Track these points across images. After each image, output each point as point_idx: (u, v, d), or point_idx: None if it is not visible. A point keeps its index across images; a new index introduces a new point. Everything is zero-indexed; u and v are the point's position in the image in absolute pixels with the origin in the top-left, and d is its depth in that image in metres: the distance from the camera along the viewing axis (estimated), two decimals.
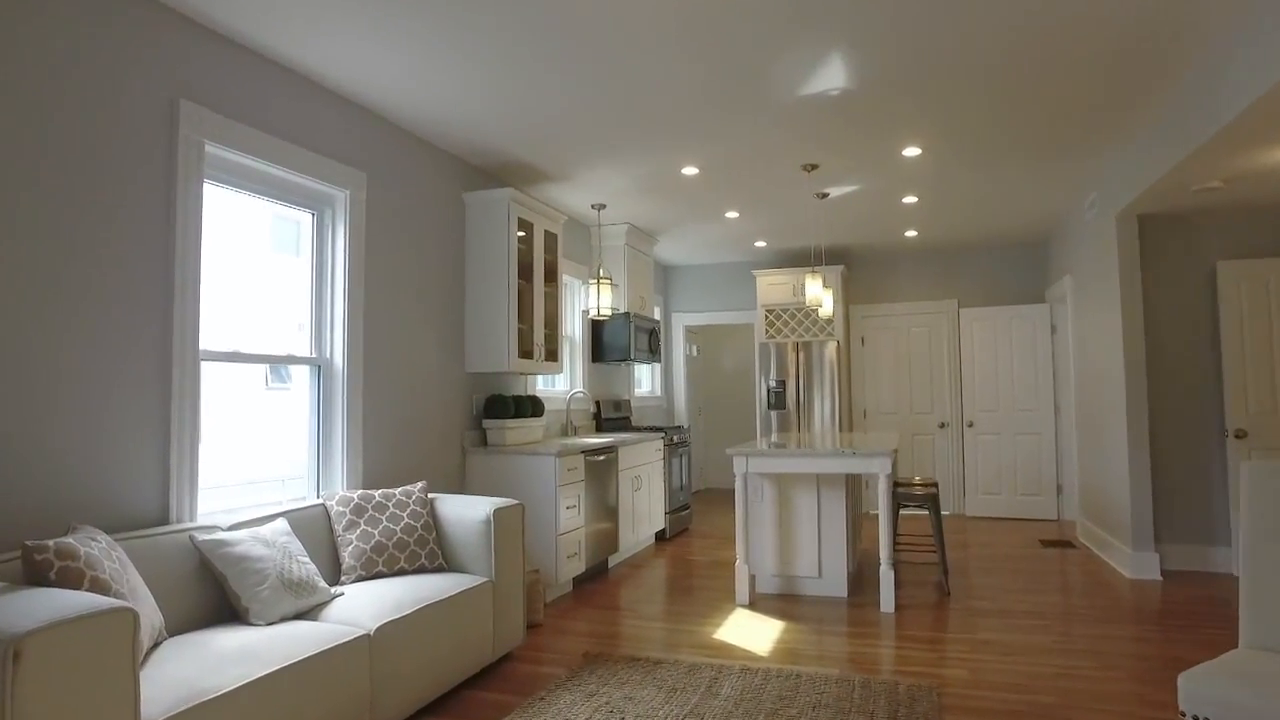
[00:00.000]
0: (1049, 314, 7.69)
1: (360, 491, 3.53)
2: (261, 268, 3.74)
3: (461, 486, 4.93)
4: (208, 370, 3.35)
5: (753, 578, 4.92)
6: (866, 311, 8.52)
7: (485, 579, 3.50)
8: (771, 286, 8.18)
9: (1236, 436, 5.40)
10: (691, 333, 10.41)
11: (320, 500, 3.52)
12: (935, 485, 5.20)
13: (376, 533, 3.40)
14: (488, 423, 5.06)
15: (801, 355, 7.99)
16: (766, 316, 8.22)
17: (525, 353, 5.13)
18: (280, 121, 3.55)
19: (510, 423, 5.09)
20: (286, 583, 2.79)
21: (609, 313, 6.12)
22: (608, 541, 5.56)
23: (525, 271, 5.18)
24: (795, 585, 5.01)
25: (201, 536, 2.74)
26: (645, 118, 4.36)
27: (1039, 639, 4.03)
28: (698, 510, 8.65)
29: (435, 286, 4.68)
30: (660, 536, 6.90)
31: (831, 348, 7.90)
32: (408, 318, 4.41)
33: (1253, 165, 4.28)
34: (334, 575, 3.39)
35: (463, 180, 5.00)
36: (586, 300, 6.42)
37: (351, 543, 3.35)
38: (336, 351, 3.92)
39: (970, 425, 7.95)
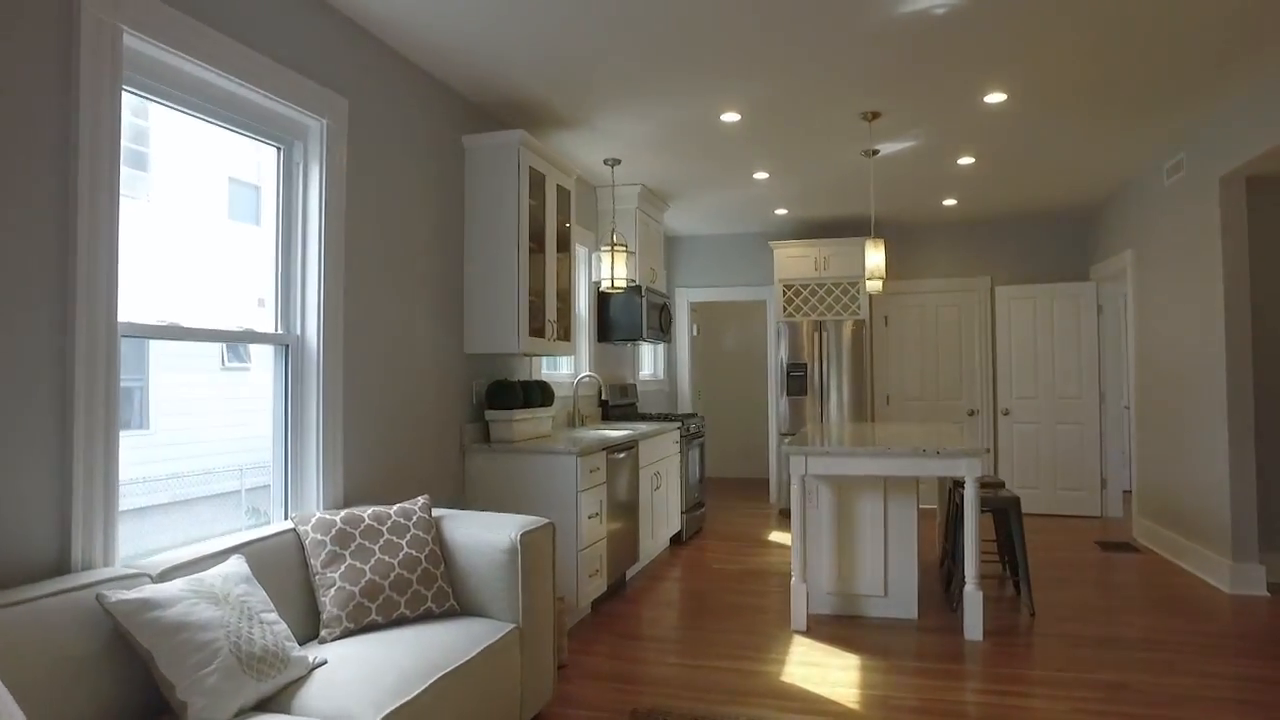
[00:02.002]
0: (1095, 293, 7.00)
1: (345, 512, 2.67)
2: (212, 227, 2.84)
3: (461, 494, 4.08)
4: (135, 351, 2.46)
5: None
6: (892, 288, 7.77)
7: (510, 625, 2.67)
8: (791, 259, 7.38)
9: None
10: (695, 310, 9.61)
11: (290, 525, 2.66)
12: (1003, 485, 4.48)
13: (368, 569, 2.55)
14: (492, 414, 4.21)
15: (822, 336, 7.22)
16: (785, 293, 7.42)
17: (536, 331, 4.27)
18: (235, 17, 2.64)
19: (519, 414, 4.24)
20: (245, 658, 1.93)
21: (623, 284, 5.28)
22: (628, 552, 4.76)
23: (536, 233, 4.31)
24: (856, 605, 4.26)
25: (116, 595, 1.86)
26: (692, 43, 3.50)
27: (1177, 681, 3.31)
28: (708, 507, 7.88)
29: (429, 249, 3.80)
30: (676, 540, 6.12)
31: (852, 328, 7.13)
32: (398, 286, 3.53)
33: None
34: (310, 627, 2.54)
35: (461, 120, 4.10)
36: (597, 270, 5.57)
37: (335, 583, 2.49)
38: (310, 326, 3.03)
39: (1006, 413, 7.26)
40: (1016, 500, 4.28)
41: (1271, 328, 4.92)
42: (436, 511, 2.96)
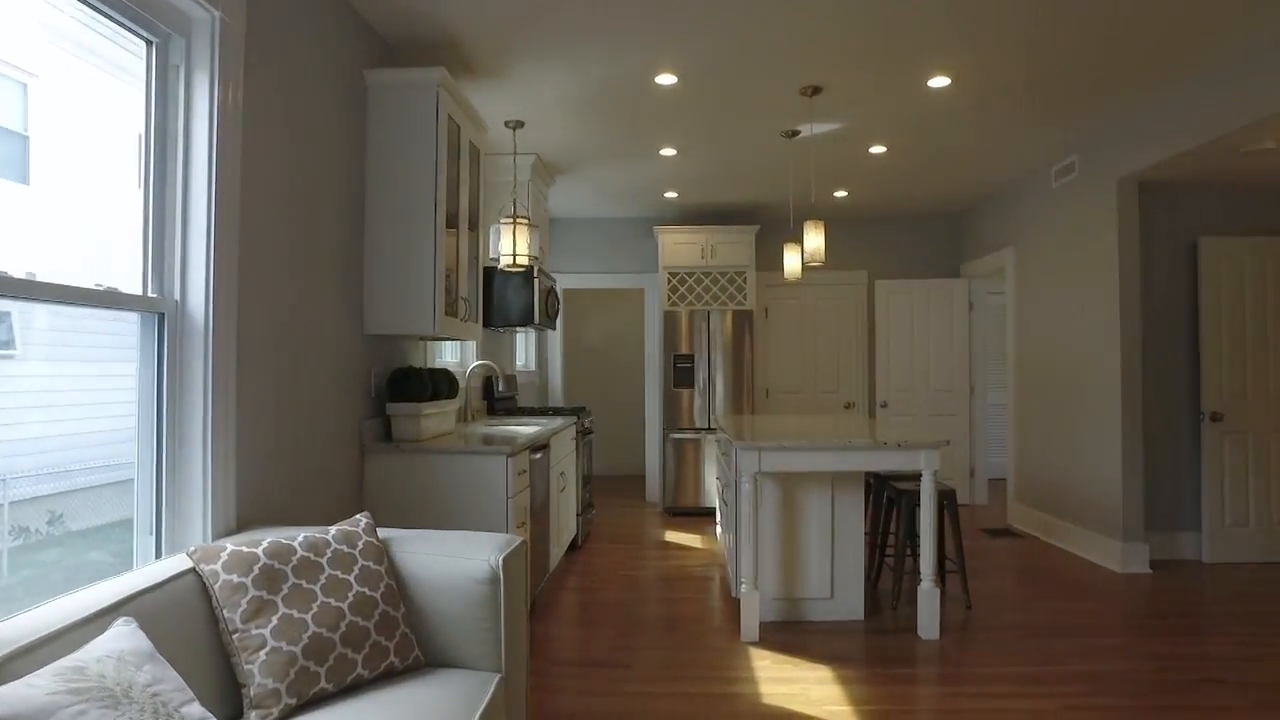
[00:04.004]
0: (968, 289, 7.25)
1: (269, 541, 1.95)
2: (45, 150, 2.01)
3: (359, 503, 3.35)
4: None
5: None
6: (772, 280, 7.66)
7: (493, 675, 2.08)
8: (678, 246, 7.06)
9: (1213, 420, 5.09)
10: (568, 297, 9.10)
11: (187, 563, 1.91)
12: (919, 476, 4.38)
13: (310, 619, 1.87)
14: (395, 407, 3.50)
15: (708, 326, 6.96)
16: (670, 280, 7.09)
17: (450, 310, 3.61)
18: None
19: (428, 407, 3.57)
20: None
21: (526, 262, 4.69)
22: (541, 564, 4.20)
23: (452, 196, 3.64)
24: (802, 610, 3.97)
25: None
26: None
27: (1137, 666, 3.29)
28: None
29: (330, 205, 3.05)
30: (572, 546, 5.60)
31: (733, 319, 6.92)
32: (296, 247, 2.78)
33: None
34: (229, 709, 1.82)
35: (363, 53, 3.36)
36: (490, 245, 4.93)
37: (265, 644, 1.79)
38: (194, 290, 2.25)
39: (884, 406, 7.36)
40: (953, 492, 4.18)
41: (1153, 323, 5.19)
42: (383, 533, 2.29)
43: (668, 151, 5.40)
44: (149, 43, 2.20)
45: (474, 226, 4.07)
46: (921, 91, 4.25)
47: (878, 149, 5.32)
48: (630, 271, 7.71)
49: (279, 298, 2.65)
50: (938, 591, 3.69)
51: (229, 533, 2.32)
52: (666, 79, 4.06)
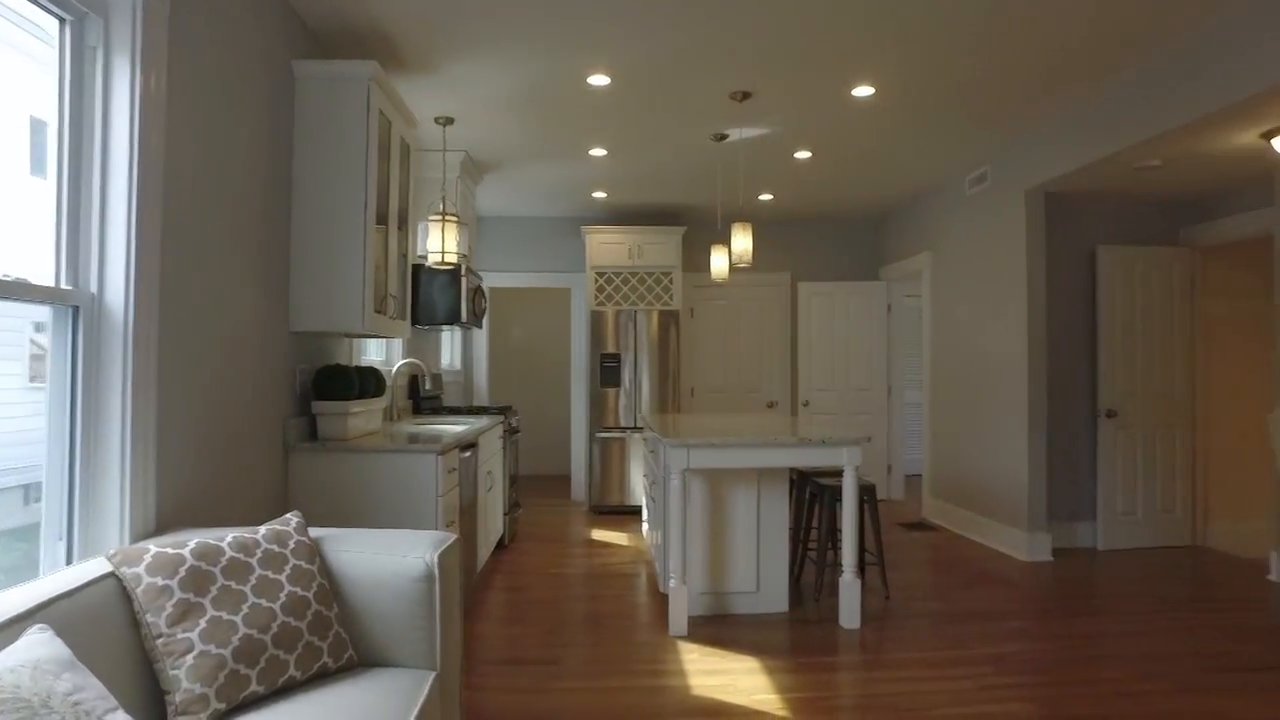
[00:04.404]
0: (886, 292, 7.52)
1: (196, 542, 1.90)
2: None
3: (283, 503, 3.27)
4: None
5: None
6: (697, 281, 7.78)
7: (428, 672, 2.07)
8: (605, 246, 7.10)
9: (1108, 416, 5.43)
10: (495, 295, 9.03)
11: (106, 567, 1.84)
12: (841, 473, 4.55)
13: (240, 620, 1.82)
14: (322, 406, 3.43)
15: (635, 326, 7.02)
16: (596, 280, 7.12)
17: (379, 307, 3.55)
18: None
19: (355, 406, 3.51)
20: None
21: (454, 260, 4.65)
22: (469, 563, 4.18)
23: (382, 192, 3.58)
24: (729, 603, 4.06)
25: None
26: None
27: (1040, 647, 3.50)
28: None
29: (256, 196, 2.96)
30: (499, 545, 5.57)
31: (659, 319, 7.00)
32: (220, 238, 2.69)
33: (1201, 149, 4.10)
34: (155, 717, 1.76)
35: (291, 43, 3.27)
36: (419, 243, 4.86)
37: (193, 648, 1.74)
38: (113, 283, 2.16)
39: (805, 405, 7.56)
40: (873, 487, 4.34)
41: (1057, 326, 5.51)
42: (314, 532, 2.24)
43: (598, 152, 5.43)
44: (61, 20, 2.10)
45: (403, 223, 4.02)
46: (846, 100, 4.40)
47: (803, 154, 5.48)
48: (557, 271, 7.71)
49: (203, 292, 2.56)
50: (858, 583, 3.84)
51: (147, 536, 2.23)
52: (599, 80, 4.10)
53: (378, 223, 3.49)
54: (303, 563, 2.02)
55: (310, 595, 1.98)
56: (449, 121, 4.73)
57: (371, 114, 3.32)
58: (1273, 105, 3.56)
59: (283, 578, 1.96)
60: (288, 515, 2.16)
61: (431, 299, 5.36)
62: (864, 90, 4.24)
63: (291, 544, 2.05)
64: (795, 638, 3.68)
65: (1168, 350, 5.53)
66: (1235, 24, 3.43)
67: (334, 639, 1.99)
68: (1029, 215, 5.12)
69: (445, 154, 5.16)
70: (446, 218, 4.56)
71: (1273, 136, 3.97)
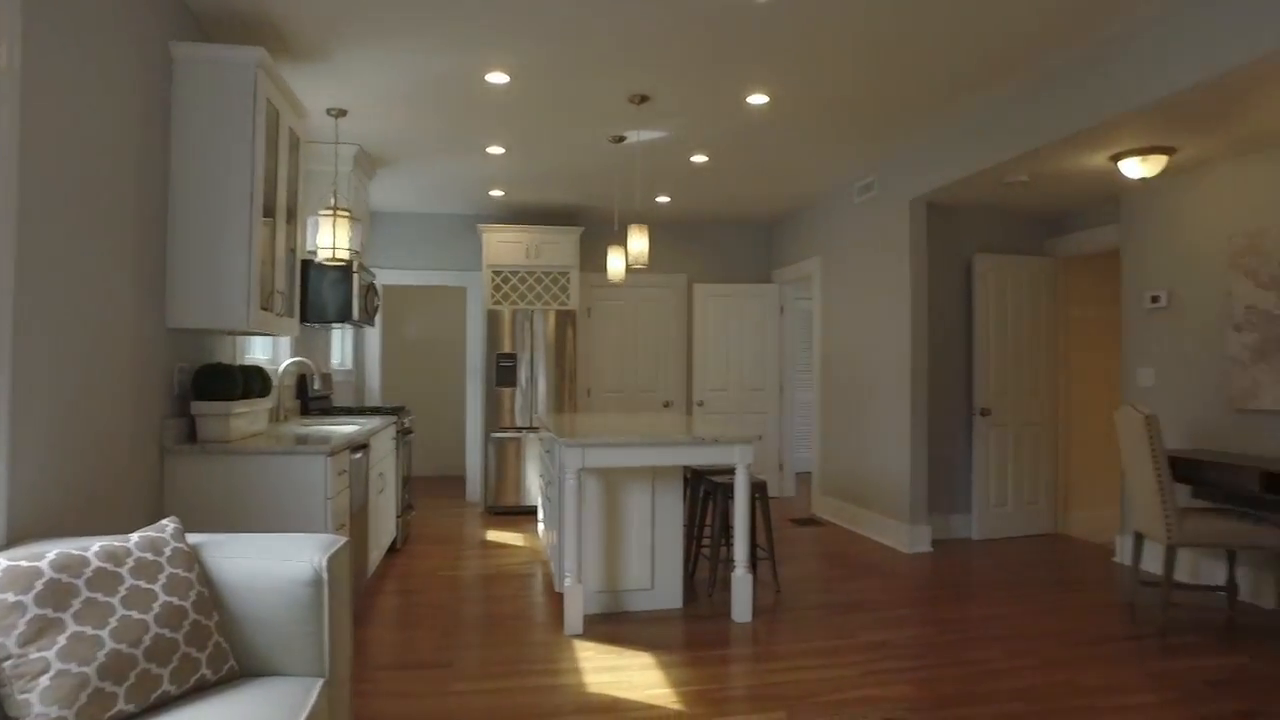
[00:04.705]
0: (779, 294, 7.75)
1: (56, 553, 1.78)
2: None
3: (159, 510, 3.10)
4: None
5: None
6: (595, 281, 7.81)
7: (316, 679, 2.02)
8: (502, 245, 7.03)
9: (982, 414, 5.79)
10: (389, 293, 8.79)
11: None
12: (733, 470, 4.69)
13: (107, 634, 1.72)
14: (203, 407, 3.26)
15: (531, 326, 6.99)
16: (493, 279, 7.04)
17: (266, 304, 3.41)
18: None
19: (239, 406, 3.36)
20: None
21: (346, 256, 4.51)
22: (360, 567, 4.07)
23: (269, 184, 3.43)
24: (624, 601, 4.11)
25: None
26: None
27: (920, 632, 3.70)
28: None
29: (125, 185, 2.79)
30: (391, 548, 5.43)
31: (556, 319, 7.00)
32: (85, 229, 2.53)
33: (1062, 167, 4.43)
34: None
35: (167, 19, 3.10)
36: (309, 237, 4.69)
37: (49, 668, 1.64)
38: None
39: (700, 404, 7.71)
40: (764, 484, 4.48)
41: (937, 329, 5.82)
42: (191, 538, 2.14)
43: (496, 150, 5.38)
44: None
45: (292, 217, 3.87)
46: (742, 107, 4.52)
47: (700, 158, 5.59)
48: (453, 269, 7.58)
49: (66, 284, 2.40)
50: (750, 578, 3.95)
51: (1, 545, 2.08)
52: (498, 77, 4.06)
53: (265, 216, 3.36)
54: (180, 571, 1.93)
55: (188, 604, 1.89)
56: (341, 114, 4.59)
57: (258, 102, 3.18)
58: (1119, 131, 3.89)
59: (157, 587, 1.86)
60: (163, 521, 2.06)
61: (321, 296, 5.18)
62: (759, 98, 4.37)
63: (168, 551, 1.95)
64: (689, 632, 3.75)
65: (1035, 353, 5.94)
66: (1089, 56, 3.74)
67: (214, 649, 1.90)
68: (912, 224, 5.40)
69: (337, 147, 4.99)
70: (338, 212, 4.42)
71: (1120, 159, 4.33)
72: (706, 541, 5.48)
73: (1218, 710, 2.90)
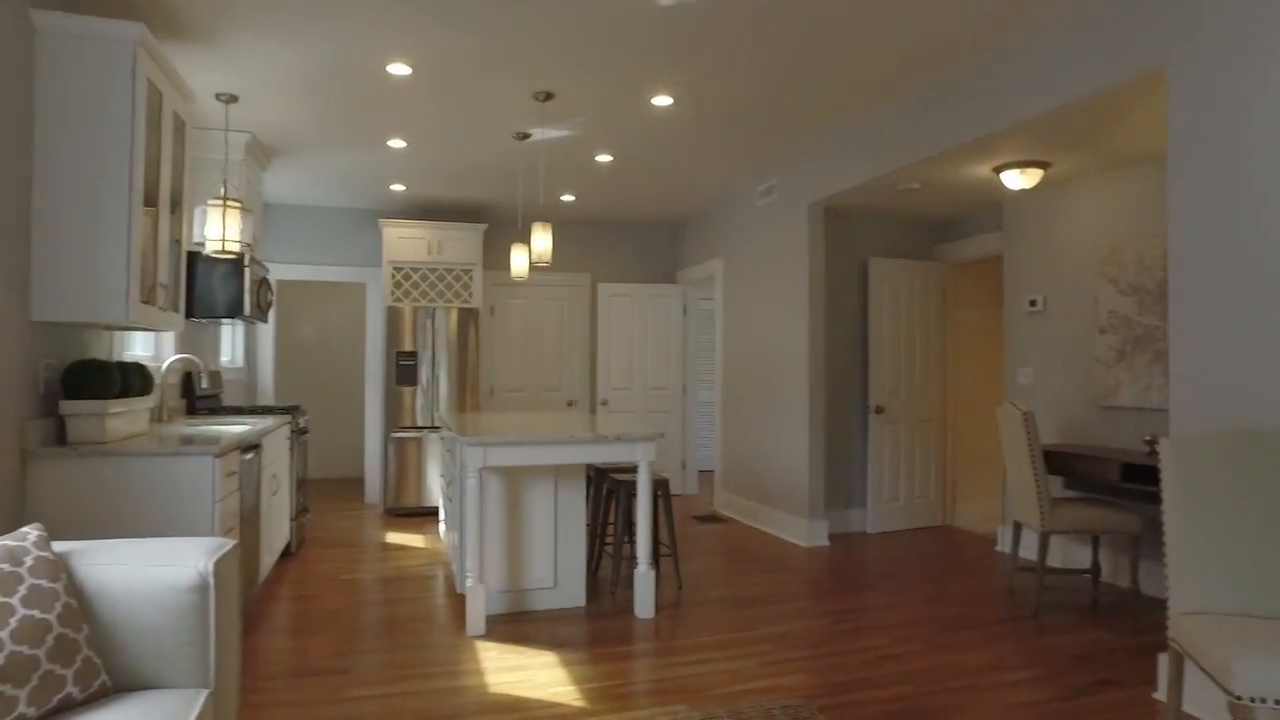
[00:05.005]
0: (682, 295, 7.86)
1: None
2: None
3: (19, 518, 2.89)
4: None
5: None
6: (498, 279, 7.73)
7: (200, 691, 1.93)
8: (403, 240, 6.87)
9: (876, 412, 6.03)
10: (283, 289, 8.44)
11: None
12: (636, 468, 4.74)
13: None
14: (74, 405, 3.06)
15: (432, 324, 6.86)
16: (394, 275, 6.88)
17: (147, 297, 3.23)
18: None
19: (116, 405, 3.16)
20: None
21: (237, 249, 4.32)
22: (250, 574, 3.90)
23: (151, 170, 3.25)
24: (527, 600, 4.09)
25: None
26: None
27: (816, 623, 3.83)
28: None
29: None
30: (285, 552, 5.23)
31: (459, 316, 6.90)
32: None
33: (951, 176, 4.68)
34: None
35: None
36: (203, 228, 4.46)
37: None
38: None
39: (604, 404, 7.74)
40: (666, 481, 4.54)
41: (835, 330, 6.03)
42: (58, 546, 2.00)
43: (397, 143, 5.26)
44: None
45: (176, 206, 3.67)
46: (646, 108, 4.56)
47: (605, 157, 5.61)
48: (351, 264, 7.36)
49: None
50: (653, 574, 4.00)
51: None
52: (399, 69, 3.97)
53: (146, 204, 3.17)
54: (44, 581, 1.81)
55: (52, 618, 1.77)
56: (232, 99, 4.39)
57: (138, 82, 3.01)
58: (1000, 145, 4.13)
59: (14, 601, 1.74)
60: (24, 529, 1.92)
61: (210, 290, 4.93)
62: (663, 100, 4.42)
63: (29, 561, 1.82)
64: (592, 630, 3.77)
65: (925, 353, 6.23)
66: (974, 74, 3.95)
67: (82, 664, 1.79)
68: (810, 227, 5.57)
69: (228, 134, 4.77)
70: (228, 203, 4.22)
71: (1002, 171, 4.60)
72: (610, 539, 5.51)
73: (1080, 680, 3.13)
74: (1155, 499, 4.20)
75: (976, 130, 3.94)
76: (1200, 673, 2.82)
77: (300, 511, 5.49)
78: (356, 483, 8.46)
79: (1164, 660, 2.97)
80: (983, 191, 5.25)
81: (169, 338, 4.73)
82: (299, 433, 5.42)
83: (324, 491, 7.90)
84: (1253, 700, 1.96)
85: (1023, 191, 5.27)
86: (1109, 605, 4.18)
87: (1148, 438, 4.32)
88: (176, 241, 3.73)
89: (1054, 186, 5.09)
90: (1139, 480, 4.01)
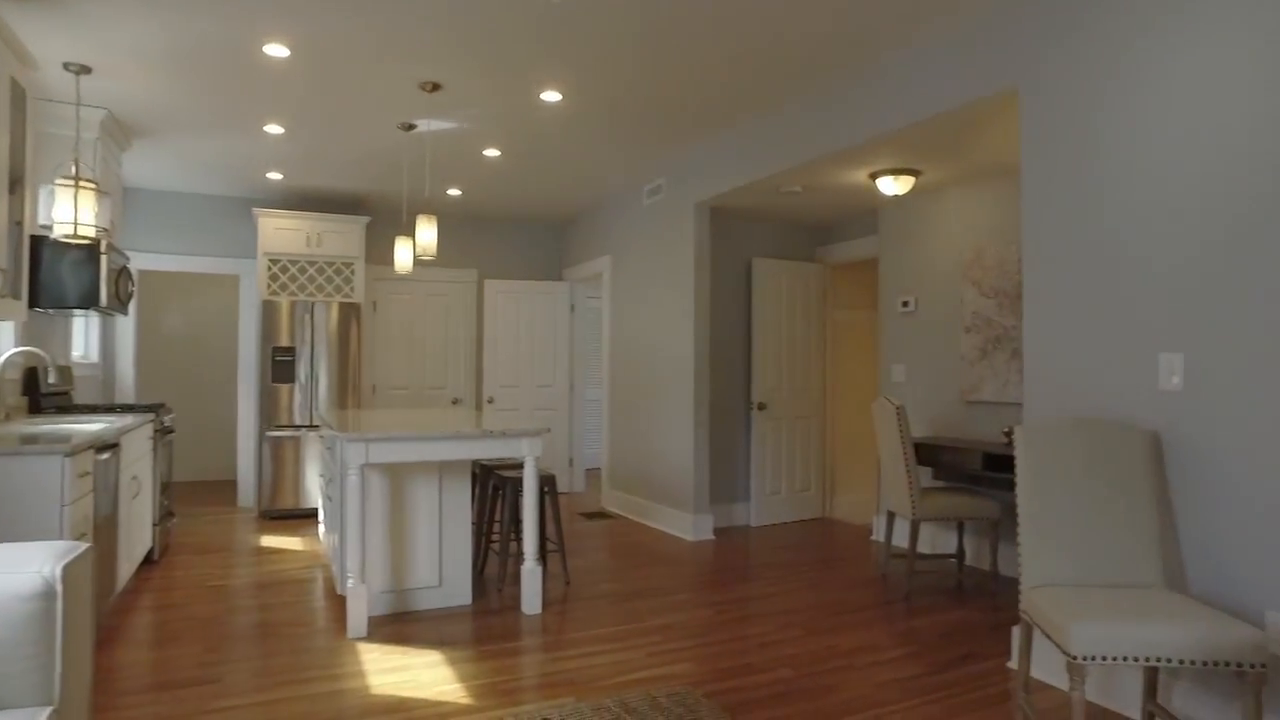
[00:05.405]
0: (569, 292, 7.86)
1: None
2: None
3: None
4: None
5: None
6: (381, 273, 7.51)
7: (41, 709, 1.78)
8: (280, 232, 6.57)
9: (759, 408, 6.21)
10: (146, 279, 7.91)
11: None
12: (522, 465, 4.73)
13: None
14: None
15: (312, 319, 6.59)
16: (270, 268, 6.57)
17: None
18: None
19: None
20: None
21: (91, 234, 4.03)
22: (107, 583, 3.64)
23: None
24: (411, 600, 3.99)
25: None
26: None
27: (701, 614, 3.92)
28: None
29: None
30: (148, 559, 4.90)
31: (339, 311, 6.66)
32: None
33: (830, 180, 4.88)
34: None
35: None
36: (51, 210, 4.11)
37: None
38: None
39: (490, 401, 7.65)
40: (553, 477, 4.53)
41: (720, 328, 6.17)
42: None
43: (274, 128, 5.02)
44: None
45: (17, 184, 3.38)
46: (535, 103, 4.54)
47: (492, 152, 5.54)
48: (224, 255, 6.97)
49: None
50: (539, 570, 3.98)
51: None
52: (277, 50, 3.80)
53: None
54: None
55: None
56: (84, 70, 4.07)
57: None
58: (875, 152, 4.35)
59: None
60: None
61: (59, 278, 4.56)
62: (552, 95, 4.41)
63: None
64: (479, 628, 3.72)
65: (806, 351, 6.47)
66: (852, 83, 4.14)
67: None
68: (696, 227, 5.69)
69: (80, 109, 4.42)
70: (81, 183, 3.92)
71: (877, 177, 4.84)
72: (496, 537, 5.45)
73: (946, 656, 3.34)
74: (1013, 486, 4.52)
75: (853, 137, 4.13)
76: (1047, 641, 3.06)
77: (165, 516, 5.15)
78: (229, 485, 8.02)
79: (1017, 632, 3.20)
80: (860, 196, 5.50)
81: (7, 328, 4.35)
82: (163, 432, 5.09)
83: (193, 495, 7.45)
84: (1086, 659, 2.14)
85: (896, 197, 5.55)
86: (972, 586, 4.47)
87: (1006, 429, 4.64)
88: (18, 223, 3.44)
89: (925, 193, 5.39)
90: (999, 469, 4.30)
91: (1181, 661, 2.12)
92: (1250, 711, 2.10)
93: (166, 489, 5.22)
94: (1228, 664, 2.10)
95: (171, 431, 5.39)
